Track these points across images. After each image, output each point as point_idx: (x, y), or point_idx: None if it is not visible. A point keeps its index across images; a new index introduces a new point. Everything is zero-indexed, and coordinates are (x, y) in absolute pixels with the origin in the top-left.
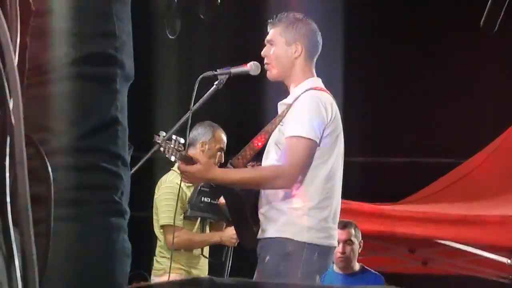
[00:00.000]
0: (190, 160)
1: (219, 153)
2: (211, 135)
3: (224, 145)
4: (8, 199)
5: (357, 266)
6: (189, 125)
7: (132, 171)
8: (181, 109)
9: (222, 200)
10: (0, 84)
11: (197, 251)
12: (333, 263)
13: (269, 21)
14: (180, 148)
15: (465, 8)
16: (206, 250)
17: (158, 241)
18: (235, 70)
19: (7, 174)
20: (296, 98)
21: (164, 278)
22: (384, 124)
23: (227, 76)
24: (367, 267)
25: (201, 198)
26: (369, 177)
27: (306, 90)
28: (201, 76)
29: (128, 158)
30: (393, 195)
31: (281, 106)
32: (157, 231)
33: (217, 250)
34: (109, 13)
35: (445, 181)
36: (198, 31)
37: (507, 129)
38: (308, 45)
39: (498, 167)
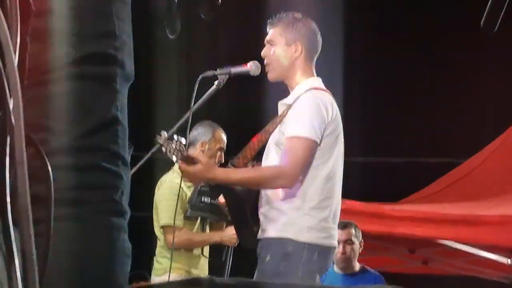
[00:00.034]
0: (191, 160)
1: (219, 153)
2: (211, 135)
3: (224, 145)
4: (8, 199)
5: (357, 266)
6: (189, 125)
7: (132, 171)
8: (181, 109)
9: (221, 198)
10: (1, 84)
11: (197, 251)
12: (333, 263)
13: (268, 21)
14: (181, 148)
15: (465, 8)
16: (206, 250)
17: (158, 241)
18: (235, 70)
19: (7, 174)
20: (297, 98)
21: (164, 278)
22: (384, 124)
23: (227, 76)
24: (367, 267)
25: (201, 198)
26: (369, 177)
27: (307, 90)
28: (201, 76)
29: (128, 158)
30: (393, 195)
31: (281, 106)
32: (157, 231)
33: (217, 250)
34: (109, 13)
35: (445, 181)
36: (198, 31)
37: (507, 129)
38: (308, 45)
39: (498, 167)
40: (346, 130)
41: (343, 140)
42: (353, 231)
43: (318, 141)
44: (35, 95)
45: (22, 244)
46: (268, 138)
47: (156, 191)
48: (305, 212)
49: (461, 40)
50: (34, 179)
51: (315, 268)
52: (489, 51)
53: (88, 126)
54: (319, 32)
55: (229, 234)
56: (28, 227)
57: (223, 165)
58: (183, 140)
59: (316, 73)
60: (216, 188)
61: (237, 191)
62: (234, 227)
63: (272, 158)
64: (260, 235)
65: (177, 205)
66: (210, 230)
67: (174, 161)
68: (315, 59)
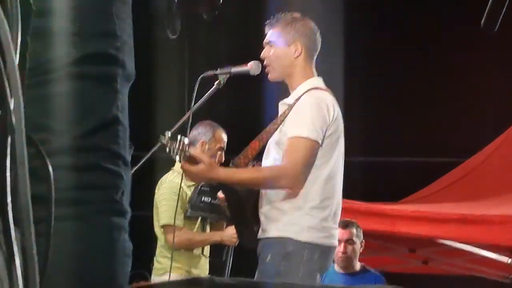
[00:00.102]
0: (194, 160)
1: (219, 152)
2: (211, 135)
3: (225, 145)
4: (9, 199)
5: (358, 265)
6: (189, 124)
7: (133, 170)
8: (181, 109)
9: (220, 193)
10: (1, 84)
11: (197, 251)
12: (333, 262)
13: (266, 22)
14: (184, 148)
15: (465, 8)
16: (207, 250)
17: (158, 240)
18: (236, 69)
19: (8, 174)
20: (298, 98)
21: (165, 278)
22: (384, 124)
23: (227, 75)
24: (368, 267)
25: (201, 198)
26: (369, 177)
27: (308, 90)
28: (201, 76)
29: (128, 158)
30: (393, 195)
31: (282, 106)
32: (158, 230)
33: (217, 250)
34: (109, 13)
35: (445, 181)
36: (198, 31)
37: (507, 129)
38: (307, 44)
39: (498, 167)
40: (346, 130)
41: (343, 140)
42: (354, 230)
43: (320, 142)
44: (35, 95)
45: (23, 244)
46: (269, 138)
47: (156, 191)
48: (305, 212)
49: (461, 40)
50: (34, 179)
51: (315, 267)
52: (489, 51)
53: (89, 126)
54: (318, 31)
55: (230, 234)
56: (28, 227)
57: (223, 164)
58: (186, 140)
59: (316, 73)
60: (217, 187)
61: (238, 191)
62: (235, 227)
63: (272, 158)
64: (260, 235)
65: (177, 205)
66: (210, 230)
67: (177, 161)
68: (315, 58)
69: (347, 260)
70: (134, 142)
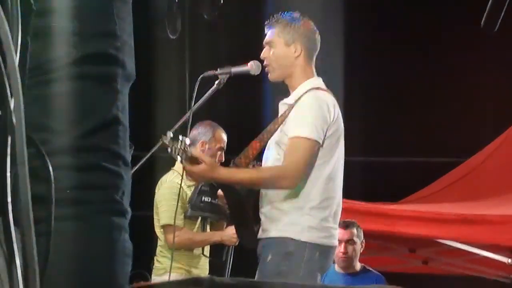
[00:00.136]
0: (195, 160)
1: (219, 152)
2: (211, 135)
3: (225, 145)
4: (9, 199)
5: (358, 266)
6: (189, 124)
7: (133, 170)
8: (181, 109)
9: (220, 192)
10: (1, 84)
11: (197, 251)
12: (334, 262)
13: (266, 22)
14: (186, 148)
15: (465, 8)
16: (207, 250)
17: (158, 240)
18: (236, 69)
19: (8, 174)
20: (298, 98)
21: (165, 278)
22: (384, 124)
23: (227, 75)
24: (368, 267)
25: (201, 198)
26: (369, 177)
27: (308, 90)
28: (201, 76)
29: (129, 158)
30: (393, 195)
31: (282, 106)
32: (158, 230)
33: (217, 250)
34: (110, 13)
35: (445, 181)
36: (198, 31)
37: (507, 129)
38: (307, 44)
39: (498, 167)
40: (346, 130)
41: (343, 140)
42: (355, 231)
43: (320, 142)
44: (36, 95)
45: (23, 244)
46: (269, 138)
47: (156, 191)
48: (306, 212)
49: (461, 40)
50: (35, 179)
51: (316, 267)
52: (489, 51)
53: (89, 126)
54: (317, 30)
55: (230, 233)
56: (29, 226)
57: (224, 164)
58: (187, 141)
59: (316, 73)
60: (218, 187)
61: (238, 191)
62: (235, 227)
63: (272, 158)
64: (261, 234)
65: (177, 205)
66: (210, 229)
67: (179, 161)
68: (314, 57)
69: (348, 260)
70: (134, 142)
